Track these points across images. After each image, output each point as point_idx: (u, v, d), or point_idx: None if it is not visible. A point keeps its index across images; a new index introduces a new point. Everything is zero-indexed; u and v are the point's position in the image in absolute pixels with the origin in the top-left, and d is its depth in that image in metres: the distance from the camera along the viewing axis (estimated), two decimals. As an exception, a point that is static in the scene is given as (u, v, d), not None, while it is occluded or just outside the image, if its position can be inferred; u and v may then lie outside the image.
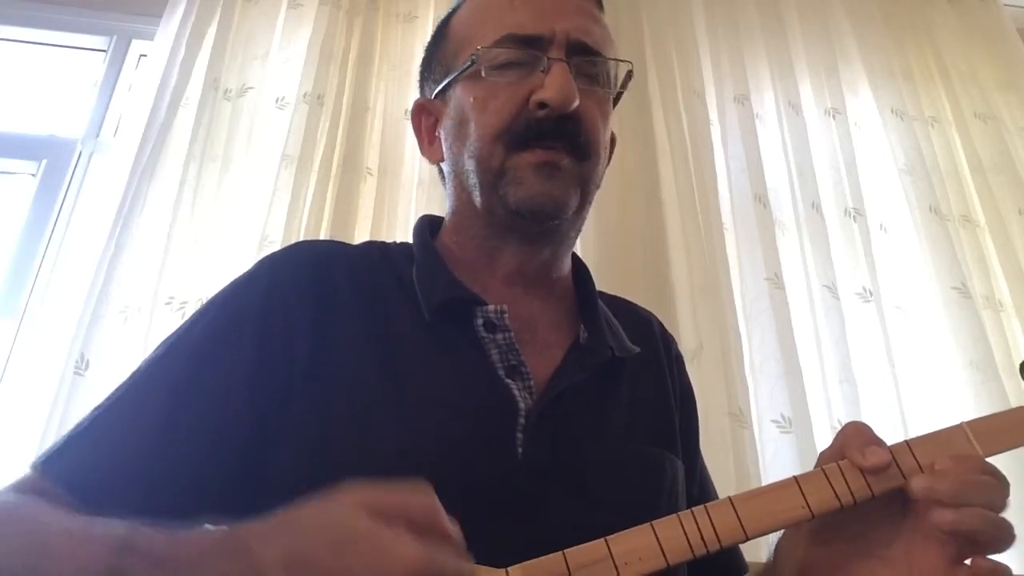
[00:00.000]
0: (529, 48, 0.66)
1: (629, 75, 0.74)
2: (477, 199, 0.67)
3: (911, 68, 1.81)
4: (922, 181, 1.61)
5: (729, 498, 0.51)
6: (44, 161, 1.49)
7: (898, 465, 0.52)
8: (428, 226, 0.75)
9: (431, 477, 0.54)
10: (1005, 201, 1.64)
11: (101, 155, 1.51)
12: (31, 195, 1.46)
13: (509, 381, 0.61)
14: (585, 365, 0.65)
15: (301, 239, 1.32)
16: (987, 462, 0.52)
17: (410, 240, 0.74)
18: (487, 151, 0.65)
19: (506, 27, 0.67)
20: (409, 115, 0.78)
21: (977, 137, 1.72)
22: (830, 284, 1.45)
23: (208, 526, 0.46)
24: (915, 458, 0.53)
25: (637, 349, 0.70)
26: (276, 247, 1.29)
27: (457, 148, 0.69)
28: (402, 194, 1.47)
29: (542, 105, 0.64)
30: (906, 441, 0.54)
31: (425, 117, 0.76)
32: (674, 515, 0.50)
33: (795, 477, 0.52)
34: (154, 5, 1.57)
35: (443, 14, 0.79)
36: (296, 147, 1.40)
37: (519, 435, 0.58)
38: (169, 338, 0.63)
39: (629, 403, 0.67)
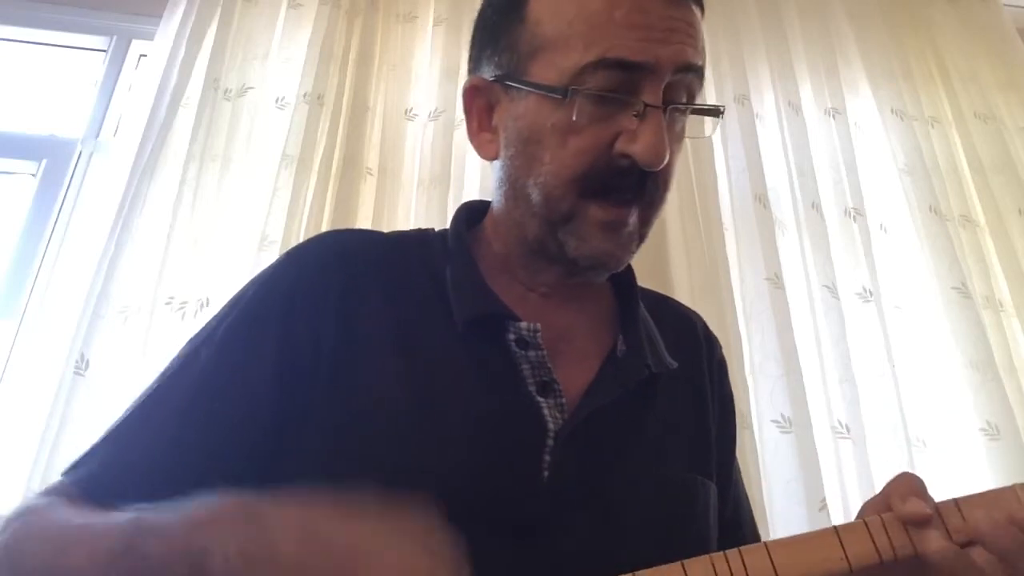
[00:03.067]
0: (627, 79, 0.58)
1: (719, 113, 0.67)
2: (533, 227, 0.63)
3: (911, 68, 1.81)
4: (922, 181, 1.61)
5: (765, 543, 0.50)
6: (44, 161, 1.49)
7: (944, 524, 0.50)
8: (467, 218, 0.70)
9: (453, 496, 0.51)
10: (1005, 201, 1.64)
11: (101, 155, 1.51)
12: (31, 195, 1.46)
13: (540, 399, 0.59)
14: (619, 382, 0.62)
15: (301, 239, 1.32)
16: None
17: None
18: (559, 192, 0.60)
19: (603, 45, 0.58)
20: (461, 94, 0.69)
21: (977, 137, 1.72)
22: (830, 284, 1.45)
23: (216, 495, 0.45)
24: (962, 517, 0.50)
25: (675, 364, 0.67)
26: (276, 247, 1.30)
27: (521, 167, 0.63)
28: (402, 194, 1.47)
29: (626, 155, 0.58)
30: (954, 499, 0.51)
31: (479, 98, 0.67)
32: (707, 556, 0.49)
33: (835, 527, 0.50)
34: (154, 5, 1.57)
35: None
36: (296, 147, 1.40)
37: (546, 457, 0.56)
38: (194, 338, 0.62)
39: (663, 422, 0.64)
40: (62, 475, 0.56)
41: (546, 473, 0.56)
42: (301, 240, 1.31)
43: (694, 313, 0.79)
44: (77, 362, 1.16)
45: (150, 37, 1.57)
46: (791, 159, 1.59)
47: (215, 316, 0.63)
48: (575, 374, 0.62)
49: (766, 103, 1.69)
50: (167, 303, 1.26)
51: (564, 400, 0.59)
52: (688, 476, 0.63)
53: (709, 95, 1.63)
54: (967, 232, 1.59)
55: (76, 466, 0.56)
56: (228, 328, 0.60)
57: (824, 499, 1.22)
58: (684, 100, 0.62)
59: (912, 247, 1.57)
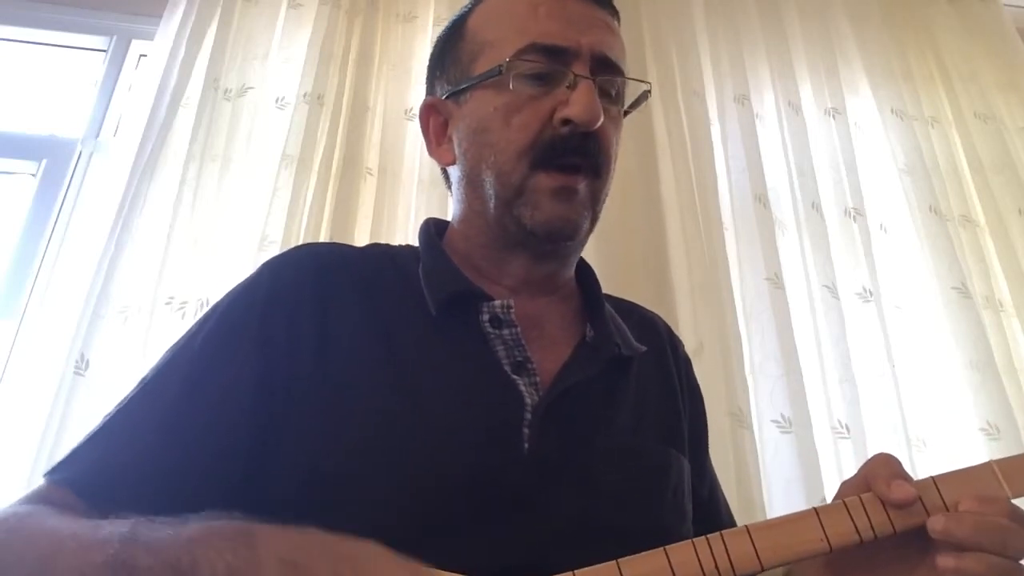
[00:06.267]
0: (555, 60, 0.66)
1: (645, 95, 0.75)
2: (491, 211, 0.67)
3: (911, 68, 1.81)
4: (922, 181, 1.61)
5: (746, 527, 0.50)
6: (44, 161, 1.49)
7: (922, 502, 0.51)
8: (433, 228, 0.75)
9: (439, 472, 0.54)
10: (1005, 201, 1.64)
11: (101, 155, 1.51)
12: (31, 195, 1.46)
13: (515, 377, 0.61)
14: (592, 362, 0.65)
15: (301, 239, 1.32)
16: (1013, 505, 0.51)
17: (412, 242, 0.74)
18: (509, 166, 0.65)
19: (531, 35, 0.66)
20: (417, 113, 0.77)
21: (977, 137, 1.72)
22: (830, 284, 1.45)
23: (211, 515, 0.46)
24: (940, 495, 0.51)
25: (643, 348, 0.71)
26: (276, 247, 1.30)
27: (473, 157, 0.68)
28: (402, 194, 1.46)
29: (566, 122, 0.64)
30: (932, 477, 0.52)
31: (434, 117, 0.74)
32: (688, 541, 0.49)
33: (815, 508, 0.51)
34: (154, 5, 1.56)
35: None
36: (296, 147, 1.40)
37: (525, 430, 0.58)
38: (174, 344, 0.63)
39: (635, 401, 0.67)
40: (45, 476, 0.56)
41: (526, 446, 0.58)
42: (301, 240, 1.32)
43: (655, 314, 0.84)
44: (77, 362, 1.16)
45: (150, 37, 1.56)
46: (791, 159, 1.59)
47: (194, 324, 0.64)
48: (547, 357, 0.64)
49: (766, 103, 1.69)
50: (167, 303, 1.26)
51: (538, 379, 0.62)
52: (661, 447, 0.66)
53: (709, 95, 1.64)
54: (967, 232, 1.59)
55: (59, 467, 0.56)
56: (208, 335, 0.62)
57: (824, 499, 1.21)
58: (612, 94, 0.69)
59: (912, 247, 1.57)
